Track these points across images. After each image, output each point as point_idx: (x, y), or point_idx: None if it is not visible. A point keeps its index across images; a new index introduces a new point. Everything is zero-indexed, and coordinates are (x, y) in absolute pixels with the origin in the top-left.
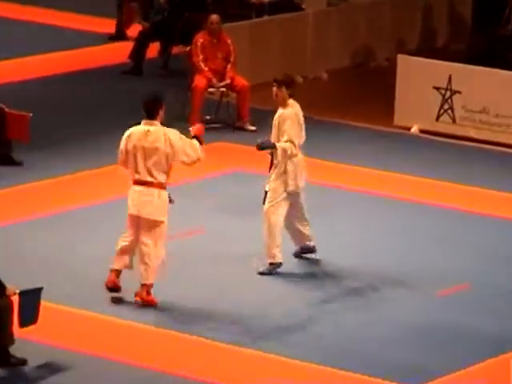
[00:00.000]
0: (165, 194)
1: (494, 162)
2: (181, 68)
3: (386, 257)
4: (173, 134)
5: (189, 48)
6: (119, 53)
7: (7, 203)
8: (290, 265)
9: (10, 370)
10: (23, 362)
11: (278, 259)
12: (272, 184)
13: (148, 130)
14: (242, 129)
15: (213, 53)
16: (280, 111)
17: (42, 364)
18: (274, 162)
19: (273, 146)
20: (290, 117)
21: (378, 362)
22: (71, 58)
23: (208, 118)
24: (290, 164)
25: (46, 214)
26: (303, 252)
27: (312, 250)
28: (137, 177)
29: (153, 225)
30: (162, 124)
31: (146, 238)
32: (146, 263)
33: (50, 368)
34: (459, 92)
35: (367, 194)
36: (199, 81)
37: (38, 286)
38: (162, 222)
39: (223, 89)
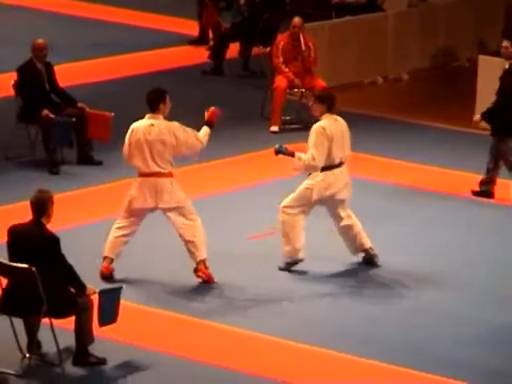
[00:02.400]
0: (175, 182)
1: None
2: (261, 68)
3: (461, 256)
4: (176, 126)
5: (269, 49)
6: (200, 53)
7: (87, 202)
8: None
9: (89, 369)
10: (102, 361)
11: (294, 257)
12: (302, 185)
13: (151, 124)
14: None
15: (293, 56)
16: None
17: (122, 363)
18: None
19: (288, 153)
20: (315, 131)
21: (451, 362)
22: (152, 58)
23: (288, 118)
24: (322, 176)
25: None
26: (365, 262)
27: (371, 258)
28: (145, 170)
29: (176, 209)
30: (165, 118)
31: (177, 221)
32: (191, 241)
33: (129, 367)
34: None
35: (445, 194)
36: (280, 81)
37: (118, 285)
38: (183, 207)
39: (303, 89)
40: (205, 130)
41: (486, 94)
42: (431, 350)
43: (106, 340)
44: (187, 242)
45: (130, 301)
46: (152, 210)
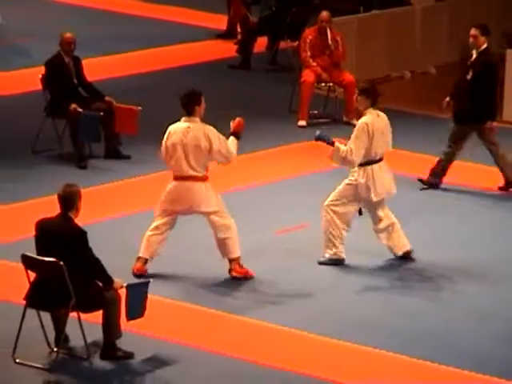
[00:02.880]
0: (209, 185)
1: None
2: (288, 62)
3: (495, 250)
4: (212, 132)
5: (296, 43)
6: (228, 47)
7: (115, 196)
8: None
9: (116, 363)
10: (130, 355)
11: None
12: (345, 181)
13: (188, 127)
14: (350, 124)
15: (321, 50)
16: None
17: (149, 357)
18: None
19: (328, 141)
20: (358, 127)
21: (489, 359)
22: (180, 52)
23: (316, 112)
24: (362, 174)
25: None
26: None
27: (408, 255)
28: (179, 173)
29: (210, 213)
30: (202, 120)
31: (212, 223)
32: (224, 239)
33: (157, 361)
34: None
35: (472, 188)
36: (308, 75)
37: (145, 279)
38: (217, 210)
39: (330, 83)
40: (233, 141)
41: None
42: (459, 344)
43: (134, 334)
44: (220, 241)
45: (157, 295)
46: (185, 212)
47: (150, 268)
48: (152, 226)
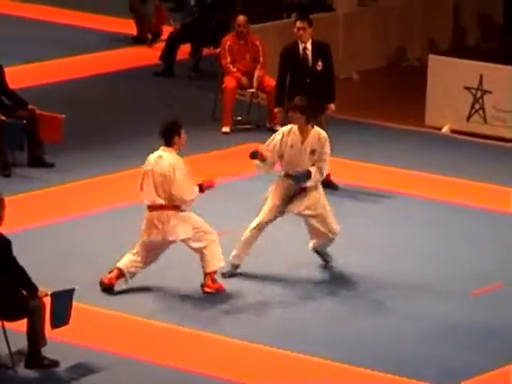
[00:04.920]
0: (180, 214)
1: None
2: (211, 70)
3: (416, 256)
4: (179, 166)
5: (218, 50)
6: (150, 55)
7: (39, 205)
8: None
9: (42, 372)
10: (55, 363)
11: None
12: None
13: (160, 156)
14: (272, 130)
15: (241, 54)
16: None
17: (74, 365)
18: None
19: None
20: (327, 142)
21: (412, 362)
22: (103, 59)
23: (239, 118)
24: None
25: (77, 216)
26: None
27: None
28: (151, 201)
29: (189, 239)
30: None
31: (189, 245)
32: (201, 257)
33: (83, 369)
34: (490, 92)
35: (397, 193)
36: (229, 82)
37: (70, 287)
38: (194, 235)
39: (253, 90)
40: (195, 189)
41: (435, 93)
42: (395, 351)
43: (59, 342)
44: (200, 253)
45: (82, 302)
46: (164, 243)
47: (73, 275)
48: (133, 253)
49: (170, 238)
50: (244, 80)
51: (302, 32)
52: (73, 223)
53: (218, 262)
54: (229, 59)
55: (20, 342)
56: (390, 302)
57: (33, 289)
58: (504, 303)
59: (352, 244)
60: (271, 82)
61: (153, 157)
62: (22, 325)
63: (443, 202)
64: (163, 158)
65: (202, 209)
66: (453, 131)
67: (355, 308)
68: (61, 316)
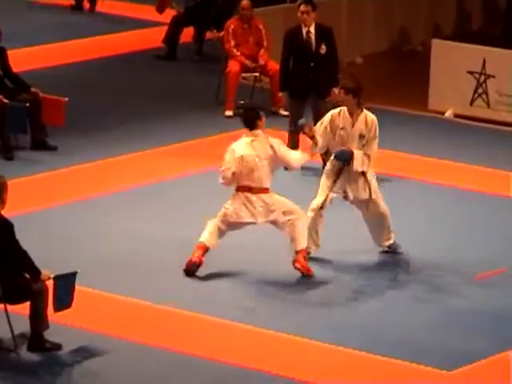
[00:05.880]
0: (272, 194)
1: None
2: (215, 53)
3: (423, 241)
4: (276, 142)
5: (222, 33)
6: (153, 38)
7: (42, 188)
8: (325, 253)
9: (44, 355)
10: (58, 346)
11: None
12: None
13: (253, 140)
14: (276, 113)
15: (244, 38)
16: None
17: (77, 348)
18: None
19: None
20: (376, 125)
21: (415, 347)
22: (106, 42)
23: (242, 102)
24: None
25: (80, 199)
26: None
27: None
28: (244, 183)
29: (281, 216)
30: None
31: (281, 220)
32: (289, 232)
33: (85, 352)
34: (493, 76)
35: (401, 178)
36: (233, 66)
37: (73, 270)
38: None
39: (256, 74)
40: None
41: (439, 77)
42: (393, 336)
43: (62, 325)
44: (293, 233)
45: (85, 286)
46: (252, 223)
47: (77, 259)
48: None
49: (267, 219)
50: (248, 63)
51: (305, 16)
52: (76, 206)
53: (304, 240)
54: (232, 43)
55: (23, 326)
56: (394, 287)
57: (35, 272)
58: (508, 288)
59: (356, 230)
60: (275, 65)
61: (241, 146)
62: (24, 308)
63: (447, 187)
64: (257, 143)
65: (206, 192)
66: (456, 116)
67: (360, 293)
68: (64, 299)
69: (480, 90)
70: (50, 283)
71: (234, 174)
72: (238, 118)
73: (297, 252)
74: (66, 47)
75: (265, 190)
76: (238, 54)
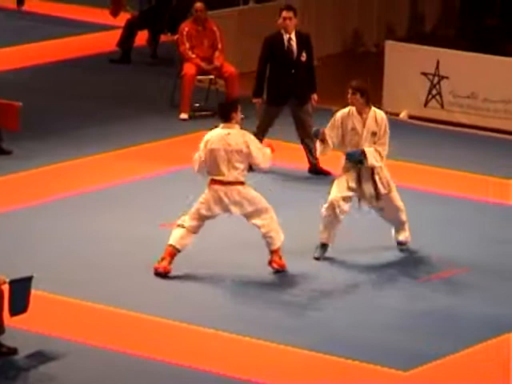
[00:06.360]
0: (246, 186)
1: (482, 147)
2: (169, 56)
3: (379, 241)
4: (250, 138)
5: (176, 36)
6: (108, 41)
7: None
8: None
9: (0, 360)
10: (14, 351)
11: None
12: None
13: (228, 133)
14: None
15: (199, 40)
16: None
17: (33, 353)
18: None
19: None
20: (387, 122)
21: (370, 348)
22: (59, 46)
23: (198, 105)
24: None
25: (35, 203)
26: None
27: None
28: (219, 178)
29: (252, 212)
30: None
31: (255, 221)
32: (264, 234)
33: (41, 357)
34: (447, 77)
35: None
36: (188, 68)
37: (29, 274)
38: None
39: (212, 76)
40: (269, 151)
41: (393, 79)
42: (348, 337)
43: (17, 330)
44: (267, 236)
45: (40, 290)
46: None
47: (32, 264)
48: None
49: (234, 212)
50: (203, 65)
51: (288, 22)
52: (31, 210)
53: (280, 238)
54: (187, 45)
55: None
56: (350, 289)
57: None
58: (460, 288)
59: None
60: (230, 67)
61: (216, 136)
62: None
63: (402, 188)
64: (231, 136)
65: (161, 195)
66: (410, 117)
67: (318, 297)
68: (19, 304)
69: (434, 92)
70: (5, 288)
71: (204, 162)
72: (193, 121)
73: (272, 252)
74: (19, 51)
75: (239, 184)
76: (193, 56)
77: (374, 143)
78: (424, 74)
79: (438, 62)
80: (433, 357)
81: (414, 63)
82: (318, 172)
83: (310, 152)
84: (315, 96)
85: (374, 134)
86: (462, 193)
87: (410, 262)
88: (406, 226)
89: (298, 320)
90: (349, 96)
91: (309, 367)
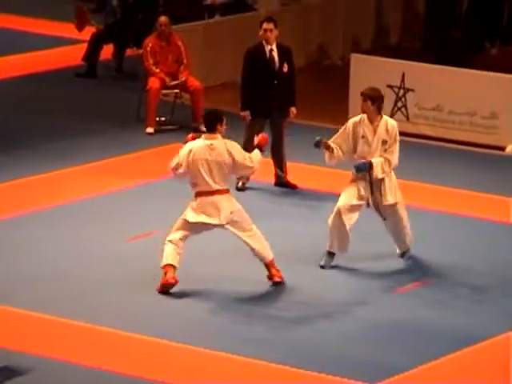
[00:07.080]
0: (230, 196)
1: (447, 159)
2: (135, 70)
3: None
4: (234, 147)
5: (141, 51)
6: (73, 55)
7: None
8: (255, 268)
9: None
10: None
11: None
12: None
13: (211, 144)
14: (197, 130)
15: (164, 56)
16: None
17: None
18: None
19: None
20: (397, 131)
21: (338, 360)
22: (24, 61)
23: (163, 119)
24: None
25: (1, 218)
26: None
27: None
28: (203, 189)
29: (235, 222)
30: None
31: (242, 233)
32: (253, 249)
33: (7, 372)
34: (412, 90)
35: (323, 193)
36: (153, 82)
37: None
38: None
39: (177, 90)
40: (257, 153)
41: (358, 91)
42: (315, 349)
43: None
44: (253, 248)
45: (4, 305)
46: (212, 227)
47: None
48: (170, 239)
49: (222, 222)
50: (168, 80)
51: (268, 33)
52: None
53: (269, 250)
54: (151, 61)
55: None
56: (316, 300)
57: None
58: (428, 300)
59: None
60: (195, 82)
61: (198, 147)
62: None
63: None
64: (215, 147)
65: (128, 209)
66: None
67: (281, 305)
68: None
69: (399, 104)
70: None
71: (182, 166)
72: (159, 135)
73: (268, 265)
74: None
75: (223, 192)
76: (158, 71)
77: (385, 151)
78: (389, 86)
79: (403, 75)
80: (399, 369)
81: (380, 76)
82: (284, 185)
83: (280, 165)
84: (294, 109)
85: (384, 142)
86: (424, 204)
87: (372, 274)
88: (408, 240)
89: (263, 333)
90: (361, 104)
91: (276, 380)
